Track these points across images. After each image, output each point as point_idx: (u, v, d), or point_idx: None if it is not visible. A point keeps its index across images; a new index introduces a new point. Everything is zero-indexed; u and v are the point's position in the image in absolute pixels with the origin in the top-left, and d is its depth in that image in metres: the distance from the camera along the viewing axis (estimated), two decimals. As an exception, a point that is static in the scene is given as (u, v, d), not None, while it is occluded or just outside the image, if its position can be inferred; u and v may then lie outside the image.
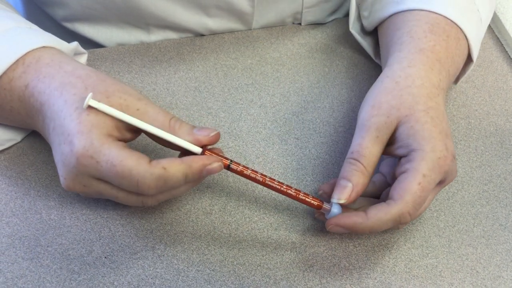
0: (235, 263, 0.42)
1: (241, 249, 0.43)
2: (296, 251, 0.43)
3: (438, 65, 0.45)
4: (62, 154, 0.38)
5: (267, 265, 0.42)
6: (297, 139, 0.51)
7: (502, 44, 0.61)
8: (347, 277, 0.42)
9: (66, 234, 0.43)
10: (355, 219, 0.40)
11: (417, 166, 0.40)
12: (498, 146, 0.51)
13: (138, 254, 0.42)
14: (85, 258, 0.42)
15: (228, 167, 0.40)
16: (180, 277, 0.41)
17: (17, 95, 0.41)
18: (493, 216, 0.47)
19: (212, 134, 0.40)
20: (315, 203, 0.42)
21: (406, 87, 0.43)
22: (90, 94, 0.37)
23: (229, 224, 0.45)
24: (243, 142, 0.50)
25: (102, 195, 0.40)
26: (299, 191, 0.42)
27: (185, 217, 0.45)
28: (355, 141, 0.42)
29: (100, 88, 0.39)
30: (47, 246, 0.42)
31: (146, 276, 0.41)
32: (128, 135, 0.40)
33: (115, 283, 0.41)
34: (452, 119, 0.53)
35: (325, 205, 0.42)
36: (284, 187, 0.41)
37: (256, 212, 0.45)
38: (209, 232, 0.44)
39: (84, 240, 0.43)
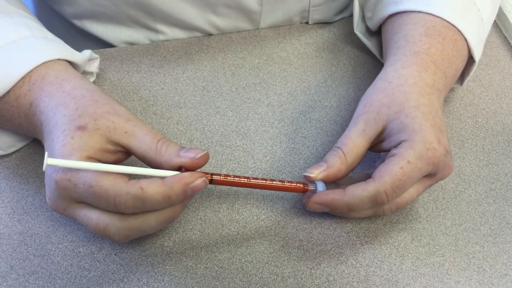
0: (243, 260, 0.43)
1: (249, 247, 0.44)
2: (303, 249, 0.44)
3: (433, 66, 0.45)
4: (47, 175, 0.38)
5: (274, 262, 0.43)
6: (305, 138, 0.51)
7: (509, 43, 0.61)
8: (354, 275, 0.42)
9: (77, 232, 0.44)
10: (333, 195, 0.40)
11: (403, 152, 0.40)
12: (505, 145, 0.52)
13: (147, 251, 0.43)
14: (95, 255, 0.43)
15: (211, 181, 0.40)
16: (189, 274, 0.42)
17: (23, 113, 0.42)
18: (500, 214, 0.47)
19: (199, 155, 0.38)
20: (301, 186, 0.42)
21: (398, 85, 0.43)
22: (46, 154, 0.36)
23: (237, 222, 0.45)
24: (250, 141, 0.50)
25: (82, 222, 0.39)
26: (283, 181, 0.42)
27: (194, 215, 0.45)
28: (342, 135, 0.43)
29: (90, 110, 0.39)
30: (58, 243, 0.43)
31: (155, 273, 0.42)
32: (116, 156, 0.40)
33: (124, 279, 0.41)
34: (459, 118, 0.53)
35: (310, 186, 0.42)
36: (268, 181, 0.42)
37: (263, 210, 0.46)
38: (217, 229, 0.44)
39: (94, 237, 0.43)
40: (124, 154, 0.40)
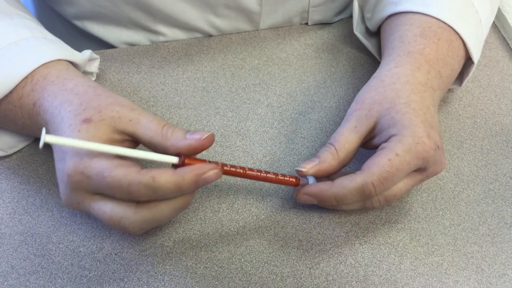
0: (242, 260, 0.43)
1: (248, 247, 0.44)
2: (302, 249, 0.44)
3: (426, 65, 0.45)
4: (58, 171, 0.38)
5: (274, 262, 0.43)
6: (304, 138, 0.51)
7: (508, 44, 0.61)
8: (353, 275, 0.43)
9: (77, 232, 0.44)
10: (322, 186, 0.41)
11: (392, 146, 0.40)
12: (504, 145, 0.52)
13: (147, 251, 0.43)
14: (95, 255, 0.43)
15: None
16: (189, 274, 0.42)
17: (27, 113, 0.42)
18: (499, 214, 0.47)
19: (205, 136, 0.39)
20: (293, 180, 0.43)
21: (390, 84, 0.44)
22: (43, 130, 0.36)
23: (236, 222, 0.45)
24: (250, 141, 0.51)
25: (96, 216, 0.39)
26: (277, 174, 0.43)
27: (193, 215, 0.45)
28: (335, 131, 0.44)
29: (94, 103, 0.39)
30: (59, 243, 0.43)
31: (155, 273, 0.42)
32: (124, 145, 0.40)
33: (125, 279, 0.42)
34: (458, 118, 0.54)
35: (302, 181, 0.43)
36: (263, 173, 0.42)
37: (263, 210, 0.46)
38: (217, 229, 0.45)
39: (94, 237, 0.44)
40: (132, 143, 0.41)
